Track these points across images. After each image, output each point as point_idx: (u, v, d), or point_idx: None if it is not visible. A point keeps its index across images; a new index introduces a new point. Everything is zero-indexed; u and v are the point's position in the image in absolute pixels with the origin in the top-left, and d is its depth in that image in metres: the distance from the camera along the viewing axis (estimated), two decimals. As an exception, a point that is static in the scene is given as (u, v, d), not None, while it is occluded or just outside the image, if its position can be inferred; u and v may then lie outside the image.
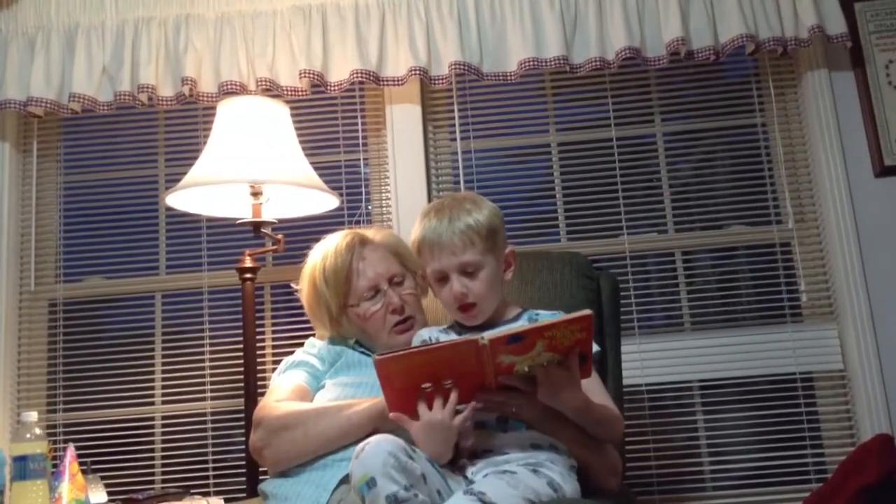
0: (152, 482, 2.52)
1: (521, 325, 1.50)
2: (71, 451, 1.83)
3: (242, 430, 2.27)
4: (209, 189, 2.22)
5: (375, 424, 1.54)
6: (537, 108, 2.75)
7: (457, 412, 1.40)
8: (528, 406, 1.43)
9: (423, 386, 1.39)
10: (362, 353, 1.77)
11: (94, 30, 2.54)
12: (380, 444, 1.27)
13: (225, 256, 2.62)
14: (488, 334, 1.34)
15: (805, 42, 2.46)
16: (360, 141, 2.70)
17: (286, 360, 1.83)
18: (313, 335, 2.04)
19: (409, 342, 1.68)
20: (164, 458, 2.55)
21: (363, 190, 2.67)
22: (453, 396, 1.39)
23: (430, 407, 1.39)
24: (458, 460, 1.46)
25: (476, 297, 1.54)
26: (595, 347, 1.58)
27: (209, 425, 2.55)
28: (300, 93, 2.51)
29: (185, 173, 2.22)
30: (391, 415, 1.42)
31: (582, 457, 1.50)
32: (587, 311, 1.36)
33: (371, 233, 1.85)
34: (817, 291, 2.57)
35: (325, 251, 1.79)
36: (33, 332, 2.63)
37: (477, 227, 1.55)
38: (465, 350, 1.35)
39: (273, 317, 2.62)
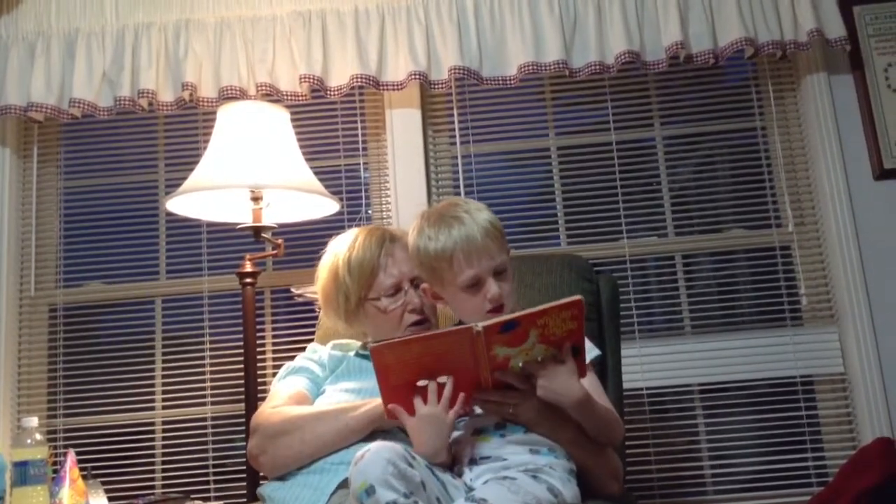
0: (153, 487, 2.52)
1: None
2: (71, 457, 1.83)
3: (243, 435, 2.26)
4: (209, 194, 2.22)
5: (373, 428, 1.55)
6: (537, 112, 2.75)
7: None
8: (525, 405, 1.43)
9: (419, 383, 1.41)
10: (364, 357, 1.77)
11: (94, 35, 2.54)
12: (379, 452, 1.27)
13: (225, 261, 2.63)
14: (482, 323, 1.35)
15: (804, 46, 2.47)
16: (360, 145, 2.70)
17: (286, 365, 1.83)
18: (313, 339, 2.04)
19: None
20: (164, 462, 2.55)
21: (363, 194, 2.68)
22: (447, 390, 1.40)
23: (425, 402, 1.41)
24: (456, 467, 1.46)
25: (507, 297, 1.53)
26: (596, 351, 1.59)
27: (209, 430, 2.55)
28: (300, 97, 2.51)
29: (185, 178, 2.22)
30: (388, 406, 1.43)
31: (582, 459, 1.49)
32: (578, 297, 1.36)
33: (399, 232, 1.83)
34: (817, 294, 2.57)
35: (351, 242, 1.77)
36: (33, 338, 2.63)
37: (496, 224, 1.54)
38: (460, 339, 1.36)
39: (273, 321, 2.62)
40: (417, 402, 1.41)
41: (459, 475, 1.44)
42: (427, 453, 1.40)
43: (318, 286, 1.82)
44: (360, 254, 1.74)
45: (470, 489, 1.40)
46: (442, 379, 1.40)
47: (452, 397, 1.40)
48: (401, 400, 1.42)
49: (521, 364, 1.39)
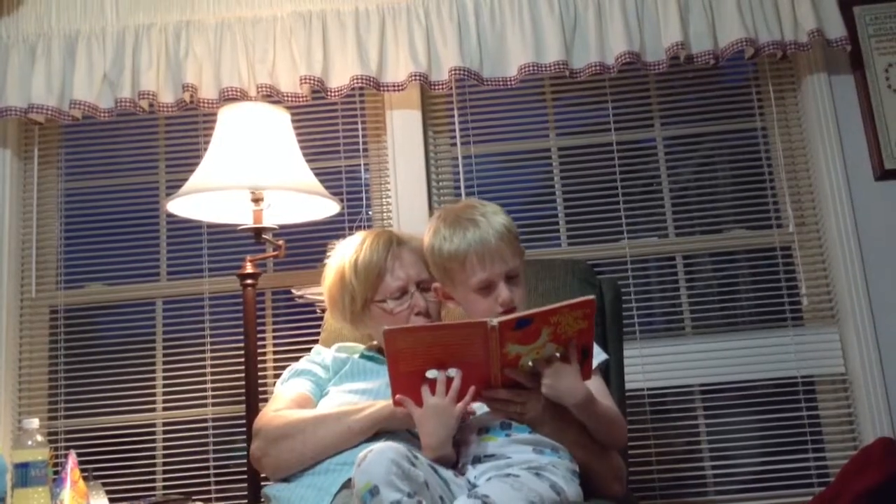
0: (153, 489, 2.52)
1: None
2: (72, 458, 1.83)
3: (244, 437, 2.26)
4: (210, 195, 2.22)
5: (376, 430, 1.55)
6: (537, 112, 2.75)
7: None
8: (532, 405, 1.44)
9: (428, 374, 1.42)
10: (369, 358, 1.77)
11: (94, 36, 2.54)
12: (382, 452, 1.27)
13: (226, 263, 2.62)
14: (498, 318, 1.35)
15: (804, 46, 2.47)
16: (361, 146, 2.70)
17: (290, 367, 1.83)
18: (316, 341, 2.05)
19: None
20: (165, 464, 2.55)
21: (364, 195, 2.68)
22: (456, 382, 1.41)
23: (433, 393, 1.42)
24: (460, 465, 1.47)
25: (517, 303, 1.53)
26: (603, 356, 1.59)
27: (210, 431, 2.55)
28: (301, 99, 2.51)
29: (185, 180, 2.22)
30: (397, 397, 1.43)
31: (585, 460, 1.49)
32: (591, 296, 1.38)
33: (406, 236, 1.85)
34: (818, 295, 2.57)
35: (358, 245, 1.78)
36: (34, 339, 2.63)
37: (511, 229, 1.55)
38: (474, 332, 1.36)
39: (274, 323, 2.62)
40: (425, 393, 1.42)
41: (463, 473, 1.44)
42: (432, 444, 1.41)
43: (324, 287, 1.83)
44: (367, 256, 1.75)
45: (473, 486, 1.40)
46: (451, 372, 1.41)
47: (461, 390, 1.41)
48: (409, 391, 1.42)
49: (530, 363, 1.39)
